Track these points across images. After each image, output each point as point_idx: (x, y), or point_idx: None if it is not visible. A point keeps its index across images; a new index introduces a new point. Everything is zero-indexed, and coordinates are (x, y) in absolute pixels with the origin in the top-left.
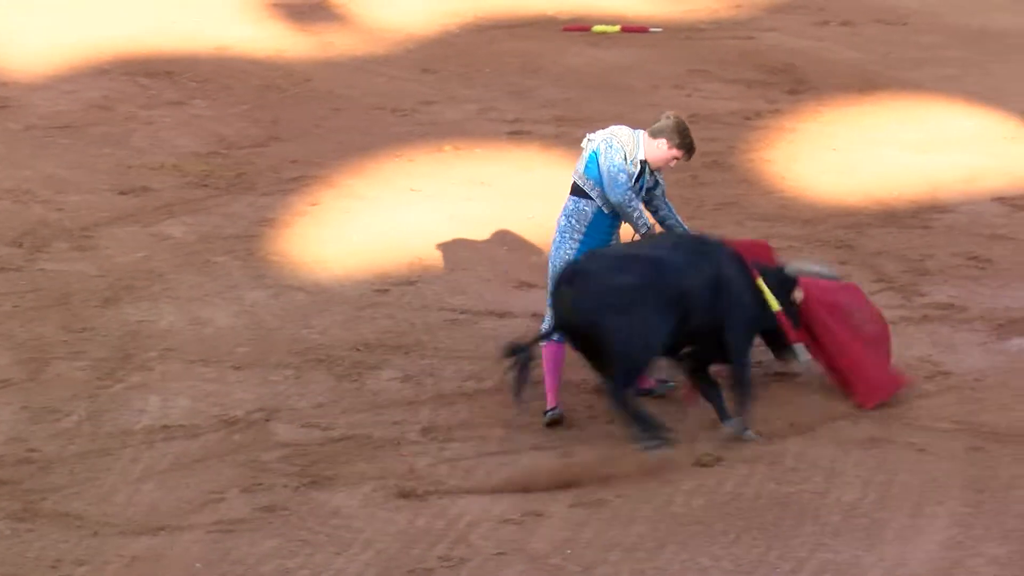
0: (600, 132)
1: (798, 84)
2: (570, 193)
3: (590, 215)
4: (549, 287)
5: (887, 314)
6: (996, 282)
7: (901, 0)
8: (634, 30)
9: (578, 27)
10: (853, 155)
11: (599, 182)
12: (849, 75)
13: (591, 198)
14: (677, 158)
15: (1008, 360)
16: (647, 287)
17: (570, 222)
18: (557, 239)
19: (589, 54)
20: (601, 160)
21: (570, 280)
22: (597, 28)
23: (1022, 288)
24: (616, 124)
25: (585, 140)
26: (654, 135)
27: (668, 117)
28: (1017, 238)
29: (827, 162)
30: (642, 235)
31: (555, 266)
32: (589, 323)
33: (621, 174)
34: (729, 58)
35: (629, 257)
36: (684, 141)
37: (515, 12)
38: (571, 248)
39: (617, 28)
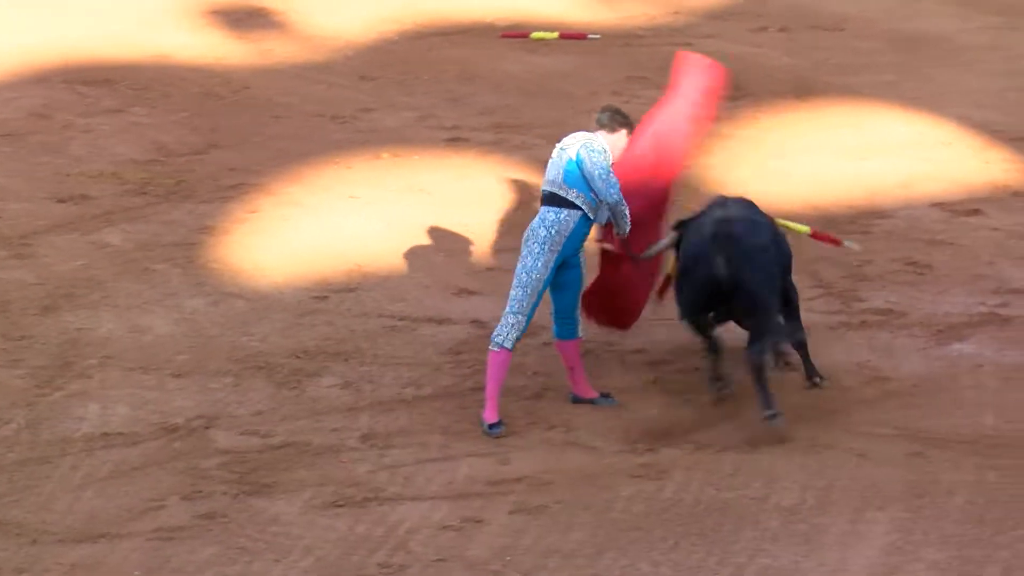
0: (570, 139)
1: (735, 90)
2: (546, 205)
3: (572, 225)
4: (514, 306)
5: (827, 319)
6: (935, 288)
7: (838, 6)
8: (572, 37)
9: (516, 34)
10: (791, 161)
11: (583, 188)
12: (786, 81)
13: (576, 207)
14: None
15: (947, 365)
16: (771, 246)
17: (550, 233)
18: (534, 251)
19: (527, 61)
20: (587, 166)
21: (719, 243)
22: (535, 35)
23: (961, 294)
24: (567, 132)
25: (557, 150)
26: (613, 130)
27: (609, 109)
28: (956, 243)
29: (765, 168)
30: (625, 233)
31: (531, 281)
32: (741, 280)
33: (612, 175)
34: (667, 64)
35: (748, 220)
36: (632, 123)
37: (453, 19)
38: (548, 260)
39: (555, 35)
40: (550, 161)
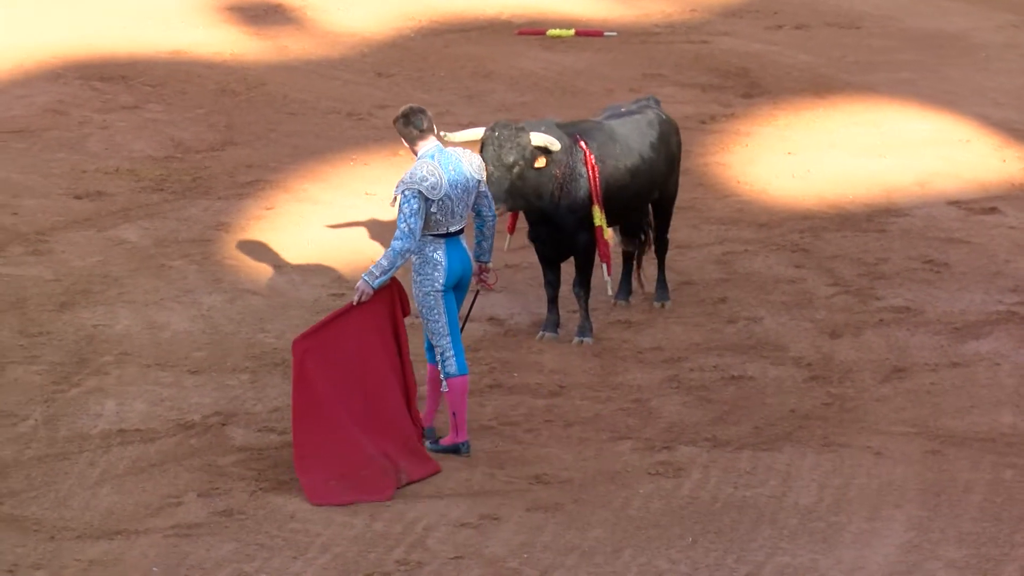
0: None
1: (752, 88)
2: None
3: None
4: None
5: (844, 317)
6: (952, 285)
7: (855, 4)
8: (589, 34)
9: (533, 31)
10: (808, 159)
11: None
12: (803, 79)
13: None
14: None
15: (964, 363)
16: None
17: None
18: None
19: (544, 58)
20: None
21: None
22: (552, 32)
23: (977, 291)
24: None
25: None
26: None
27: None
28: (972, 241)
29: (782, 166)
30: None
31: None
32: None
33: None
34: (684, 62)
35: None
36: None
37: (470, 16)
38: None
39: (572, 32)
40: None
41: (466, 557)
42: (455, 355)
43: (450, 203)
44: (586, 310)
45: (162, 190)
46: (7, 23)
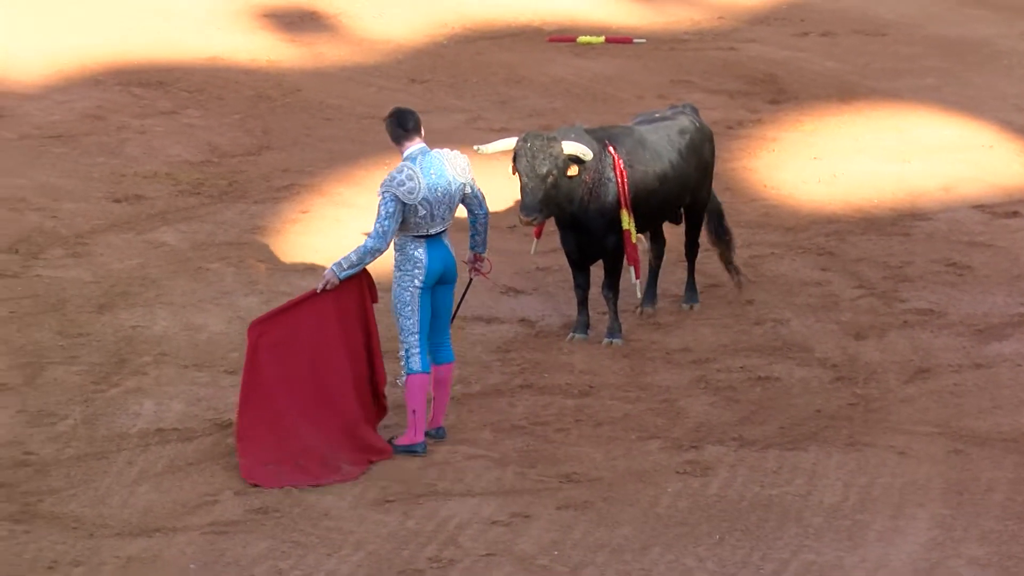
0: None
1: (779, 94)
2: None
3: None
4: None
5: (869, 319)
6: (975, 288)
7: (880, 11)
8: (618, 41)
9: (563, 38)
10: (834, 164)
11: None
12: (829, 85)
13: None
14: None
15: (987, 364)
16: None
17: None
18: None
19: (574, 64)
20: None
21: None
22: (582, 39)
23: (1000, 294)
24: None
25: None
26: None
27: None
28: (995, 245)
29: (808, 171)
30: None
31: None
32: None
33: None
34: (712, 69)
35: None
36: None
37: (502, 23)
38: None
39: (602, 39)
40: None
41: (497, 554)
42: (420, 353)
43: (429, 207)
44: (615, 312)
45: (199, 194)
46: (48, 30)
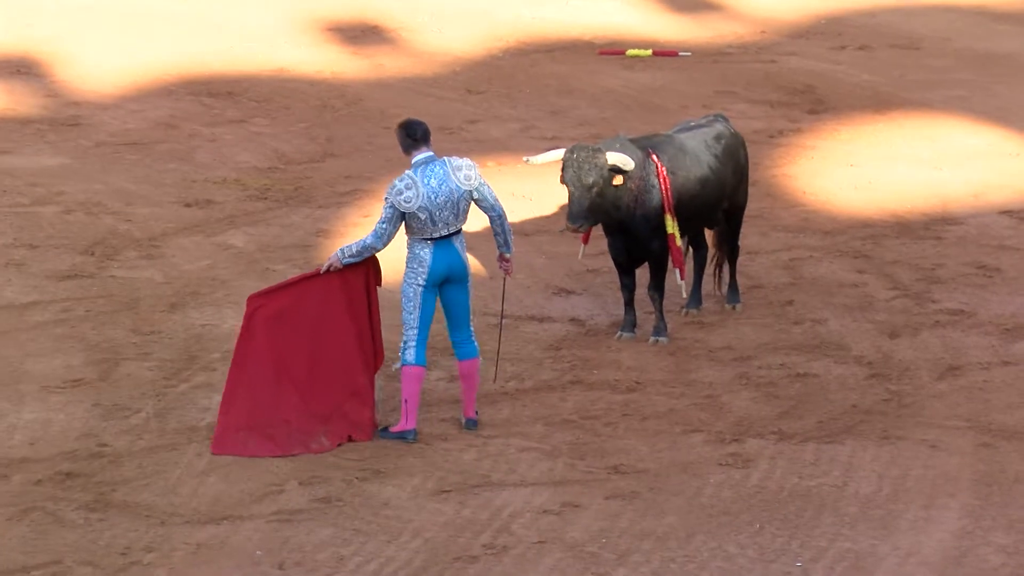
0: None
1: (818, 104)
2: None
3: None
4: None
5: (902, 319)
6: (1004, 290)
7: (914, 26)
8: (665, 54)
9: (613, 51)
10: (869, 171)
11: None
12: (865, 96)
13: None
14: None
15: (1015, 362)
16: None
17: None
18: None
19: (623, 76)
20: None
21: None
22: (631, 52)
23: None
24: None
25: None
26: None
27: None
28: (1023, 248)
29: (845, 177)
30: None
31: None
32: None
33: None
34: (754, 80)
35: None
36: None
37: (555, 37)
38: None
39: (649, 52)
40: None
41: (548, 542)
42: (416, 346)
43: (429, 213)
44: (661, 312)
45: (266, 199)
46: (124, 43)
